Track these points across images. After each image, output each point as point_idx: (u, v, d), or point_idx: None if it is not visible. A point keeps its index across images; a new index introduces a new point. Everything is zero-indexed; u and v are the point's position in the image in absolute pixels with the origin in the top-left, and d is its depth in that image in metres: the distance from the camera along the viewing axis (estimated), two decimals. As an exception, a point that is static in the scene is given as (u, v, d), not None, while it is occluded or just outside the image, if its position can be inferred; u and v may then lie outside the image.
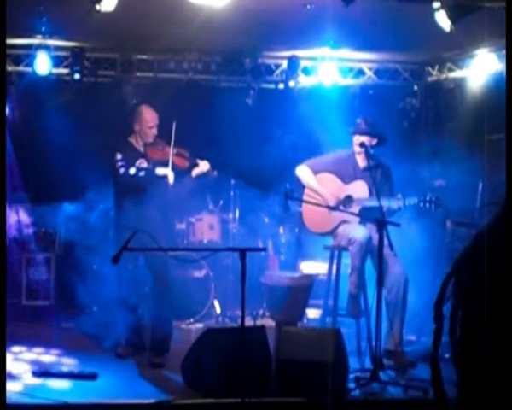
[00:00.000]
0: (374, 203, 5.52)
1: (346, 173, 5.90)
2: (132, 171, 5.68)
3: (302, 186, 6.01)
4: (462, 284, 2.33)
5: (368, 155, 5.68)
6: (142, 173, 5.68)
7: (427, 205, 5.51)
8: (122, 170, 5.66)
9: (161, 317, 5.63)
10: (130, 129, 5.90)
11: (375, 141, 5.82)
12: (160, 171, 5.72)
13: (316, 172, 5.96)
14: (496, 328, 2.21)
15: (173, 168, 5.77)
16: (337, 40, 6.99)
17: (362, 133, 5.80)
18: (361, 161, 5.88)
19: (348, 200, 5.84)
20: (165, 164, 5.72)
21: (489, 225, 2.33)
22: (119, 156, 5.70)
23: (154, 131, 5.83)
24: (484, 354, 2.22)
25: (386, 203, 5.50)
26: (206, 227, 7.48)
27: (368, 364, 5.25)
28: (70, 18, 6.22)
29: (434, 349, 2.39)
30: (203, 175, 5.91)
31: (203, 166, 5.86)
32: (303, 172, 5.98)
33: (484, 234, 2.31)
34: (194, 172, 5.85)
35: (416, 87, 8.32)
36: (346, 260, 5.82)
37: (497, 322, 2.21)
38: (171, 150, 5.77)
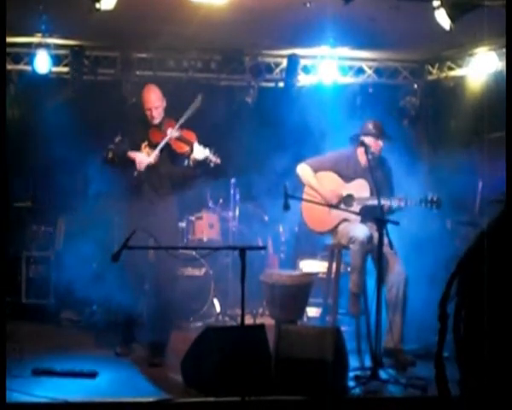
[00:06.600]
0: (375, 202, 5.52)
1: (347, 172, 5.90)
2: (110, 155, 5.53)
3: (302, 185, 6.00)
4: (467, 283, 2.33)
5: (368, 154, 5.67)
6: (116, 158, 5.51)
7: (429, 205, 5.51)
8: (104, 154, 5.56)
9: (161, 317, 5.61)
10: (132, 120, 5.82)
11: (381, 143, 5.80)
12: (131, 155, 5.51)
13: (316, 170, 5.95)
14: (500, 327, 2.21)
15: (170, 153, 5.59)
16: (337, 38, 6.99)
17: (374, 135, 5.77)
18: (363, 160, 5.87)
19: (349, 198, 5.84)
20: (163, 147, 5.54)
21: (493, 224, 2.33)
22: (116, 139, 5.58)
23: (158, 112, 5.61)
24: (487, 352, 2.22)
25: (387, 202, 5.50)
26: (205, 226, 7.48)
27: (368, 362, 5.25)
28: (70, 16, 6.23)
29: (439, 348, 2.39)
30: (202, 163, 5.54)
31: (198, 153, 5.49)
32: (303, 170, 5.97)
33: (488, 233, 2.31)
34: (191, 159, 5.54)
35: (415, 86, 8.32)
36: (346, 259, 5.82)
37: (501, 321, 2.21)
38: (169, 132, 5.54)
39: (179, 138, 5.60)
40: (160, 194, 5.63)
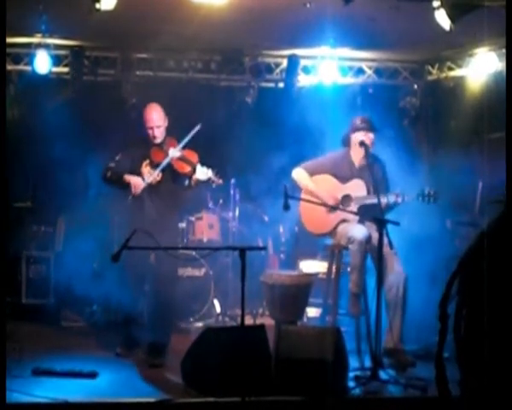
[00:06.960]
0: (372, 200, 5.53)
1: (343, 173, 5.90)
2: (109, 174, 5.59)
3: (300, 189, 5.99)
4: (467, 283, 2.33)
5: (367, 153, 5.68)
6: (114, 178, 5.57)
7: (426, 199, 5.51)
8: (103, 172, 5.62)
9: (161, 318, 5.61)
10: (132, 127, 5.82)
11: (372, 135, 5.81)
12: (127, 178, 5.55)
13: (312, 173, 5.94)
14: (500, 327, 2.21)
15: (172, 173, 5.63)
16: (337, 39, 6.99)
17: (363, 129, 5.79)
18: (357, 160, 5.88)
19: (346, 199, 5.84)
20: (165, 166, 5.58)
21: (494, 224, 2.33)
22: (117, 157, 5.63)
23: (160, 131, 5.63)
24: (488, 353, 2.22)
25: (384, 199, 5.50)
26: (205, 226, 7.48)
27: (368, 363, 5.25)
28: (70, 16, 6.23)
29: (439, 349, 2.39)
30: (204, 183, 5.59)
31: (200, 174, 5.51)
32: (299, 175, 5.96)
33: (489, 232, 2.31)
34: (192, 179, 5.57)
35: (415, 86, 8.32)
36: (347, 259, 5.82)
37: (502, 321, 2.21)
38: (170, 152, 5.57)
39: (181, 158, 5.61)
40: (160, 212, 5.64)
